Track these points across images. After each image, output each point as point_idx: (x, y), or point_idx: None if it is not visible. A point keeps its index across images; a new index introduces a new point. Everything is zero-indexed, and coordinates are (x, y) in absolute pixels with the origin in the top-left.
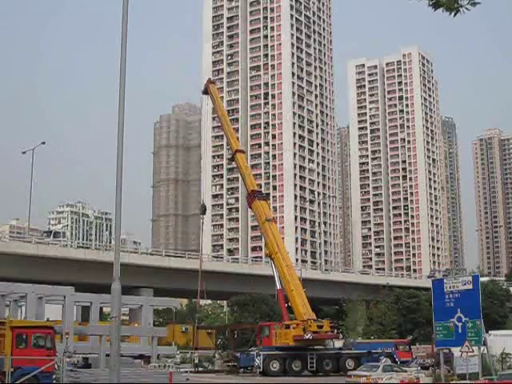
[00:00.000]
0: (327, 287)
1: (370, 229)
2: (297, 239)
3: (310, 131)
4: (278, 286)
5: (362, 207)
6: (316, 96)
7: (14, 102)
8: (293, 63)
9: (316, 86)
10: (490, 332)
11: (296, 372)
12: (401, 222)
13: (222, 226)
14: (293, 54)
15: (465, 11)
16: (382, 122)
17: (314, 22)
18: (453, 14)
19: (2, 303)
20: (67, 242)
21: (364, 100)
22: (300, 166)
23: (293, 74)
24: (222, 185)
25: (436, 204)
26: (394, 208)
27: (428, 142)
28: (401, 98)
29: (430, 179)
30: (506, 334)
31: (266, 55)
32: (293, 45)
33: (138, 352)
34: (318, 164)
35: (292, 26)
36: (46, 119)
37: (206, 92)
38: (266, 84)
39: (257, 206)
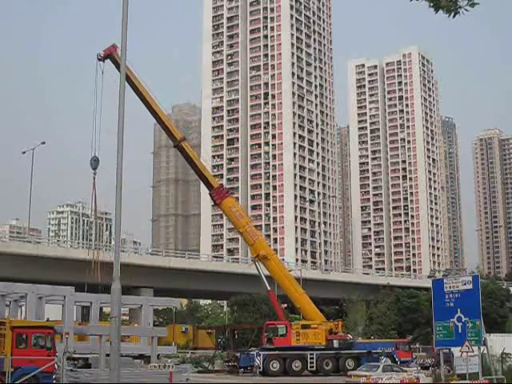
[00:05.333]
0: (327, 287)
1: (369, 229)
2: (297, 239)
3: (309, 131)
4: (269, 288)
5: (362, 207)
6: (316, 96)
7: (14, 101)
8: (293, 63)
9: (316, 86)
10: (490, 334)
11: (296, 372)
12: (401, 222)
13: (221, 226)
14: (293, 54)
15: (464, 12)
16: (381, 122)
17: (314, 21)
18: (452, 15)
19: (2, 303)
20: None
21: (364, 100)
22: (300, 166)
23: (293, 73)
24: (221, 185)
25: (436, 204)
26: (394, 208)
27: (428, 142)
28: (401, 97)
29: (430, 179)
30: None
31: (266, 55)
32: (293, 45)
33: (138, 352)
34: (318, 164)
35: (292, 26)
36: (46, 119)
37: (105, 58)
38: (266, 84)
39: (233, 204)
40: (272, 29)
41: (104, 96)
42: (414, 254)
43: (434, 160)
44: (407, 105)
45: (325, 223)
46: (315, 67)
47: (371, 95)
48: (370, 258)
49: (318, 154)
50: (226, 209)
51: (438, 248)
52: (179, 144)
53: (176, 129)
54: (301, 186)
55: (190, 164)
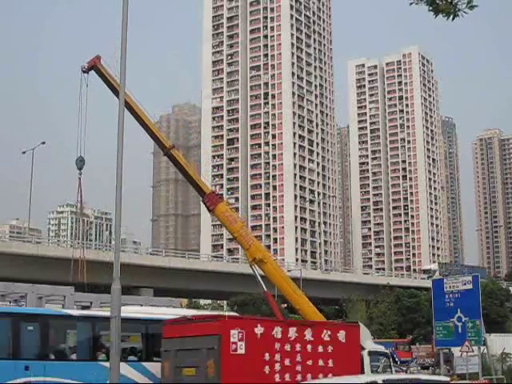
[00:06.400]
0: (327, 287)
1: (370, 229)
2: (297, 239)
3: (309, 131)
4: (265, 289)
5: (362, 207)
6: (316, 96)
7: (15, 101)
8: (293, 63)
9: (316, 86)
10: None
11: None
12: (401, 222)
13: (221, 225)
14: (293, 53)
15: (463, 15)
16: (381, 122)
17: (314, 21)
18: (451, 18)
19: (2, 303)
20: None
21: (364, 100)
22: (300, 166)
23: (293, 73)
24: (221, 185)
25: (436, 204)
26: (394, 208)
27: (428, 142)
28: (401, 98)
29: (430, 179)
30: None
31: (266, 55)
32: (293, 45)
33: None
34: (318, 164)
35: (292, 25)
36: (47, 119)
37: (89, 70)
38: (266, 84)
39: (226, 209)
40: (272, 29)
41: (104, 95)
42: (413, 254)
43: (434, 160)
44: (407, 105)
45: (325, 223)
46: (315, 67)
47: (371, 95)
48: (370, 258)
49: (318, 154)
50: (220, 214)
51: (438, 248)
52: (169, 152)
53: (165, 137)
54: (301, 186)
55: (181, 171)
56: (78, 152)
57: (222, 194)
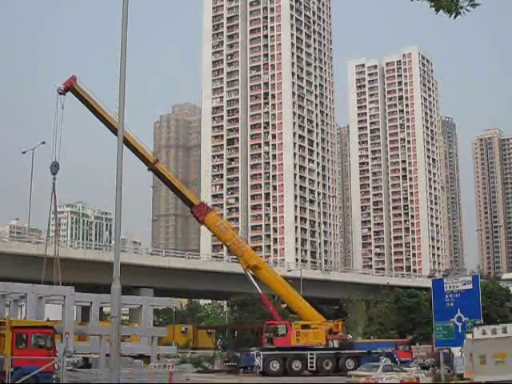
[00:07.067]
0: (327, 287)
1: (370, 229)
2: (297, 239)
3: (309, 131)
4: (260, 291)
5: (362, 207)
6: (316, 96)
7: (15, 101)
8: (293, 63)
9: (316, 86)
10: None
11: (296, 372)
12: (401, 222)
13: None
14: (293, 53)
15: (465, 12)
16: (381, 122)
17: (314, 21)
18: (453, 15)
19: (2, 303)
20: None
21: (364, 100)
22: (300, 166)
23: (293, 73)
24: (221, 185)
25: (436, 204)
26: (394, 208)
27: (428, 142)
28: (401, 98)
29: (430, 179)
30: None
31: (266, 55)
32: (293, 45)
33: (138, 352)
34: (318, 164)
35: (292, 25)
36: (47, 119)
37: (65, 91)
38: (266, 84)
39: (217, 218)
40: (272, 29)
41: (104, 95)
42: (413, 254)
43: (434, 160)
44: (407, 105)
45: (325, 223)
46: (315, 67)
47: (371, 95)
48: (370, 258)
49: (318, 154)
50: (211, 224)
51: (438, 248)
52: (154, 167)
53: (148, 152)
54: (301, 186)
55: (167, 184)
56: (52, 158)
57: (210, 206)
